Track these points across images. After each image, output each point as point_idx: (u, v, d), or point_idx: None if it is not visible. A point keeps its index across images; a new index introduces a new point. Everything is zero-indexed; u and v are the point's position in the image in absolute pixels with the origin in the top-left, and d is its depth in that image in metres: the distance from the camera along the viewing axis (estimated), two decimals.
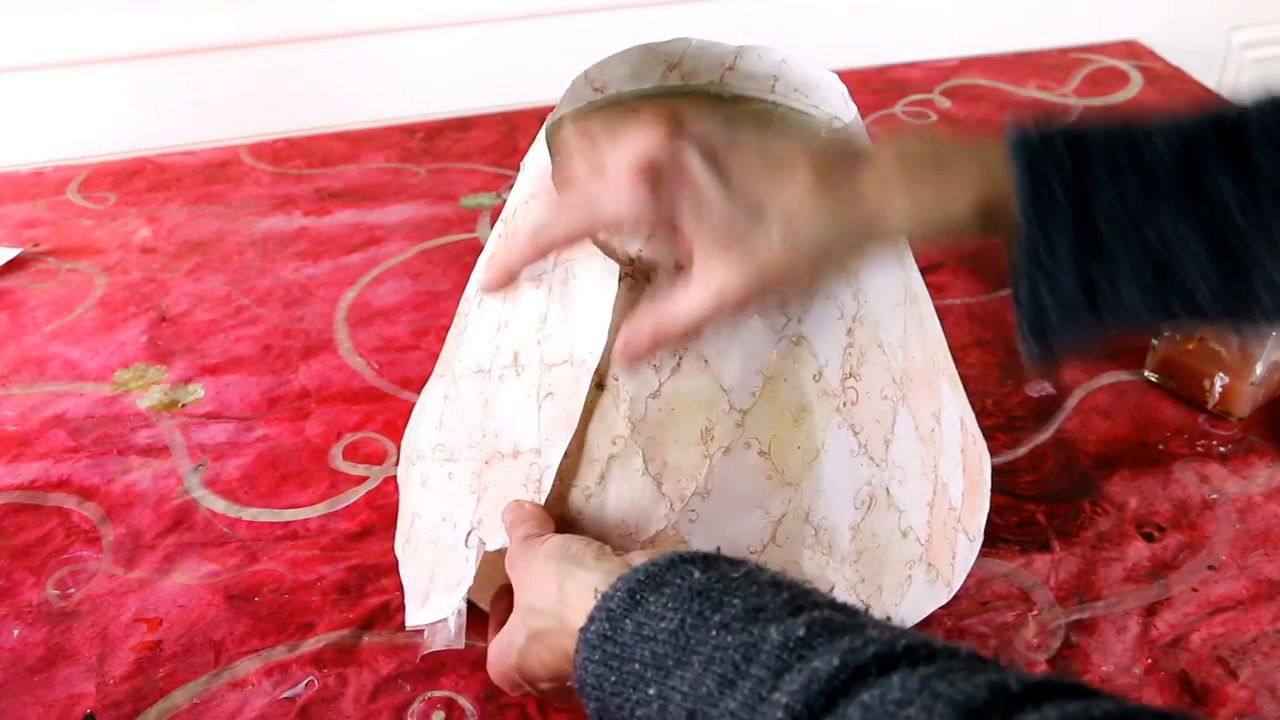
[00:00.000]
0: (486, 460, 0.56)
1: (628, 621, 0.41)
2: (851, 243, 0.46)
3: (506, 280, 0.51)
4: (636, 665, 0.40)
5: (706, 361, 0.51)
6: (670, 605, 0.41)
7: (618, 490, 0.53)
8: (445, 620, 0.56)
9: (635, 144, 0.45)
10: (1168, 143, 0.43)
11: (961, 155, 0.45)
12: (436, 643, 0.56)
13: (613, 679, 0.41)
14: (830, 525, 0.54)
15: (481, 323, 0.57)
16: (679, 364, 0.52)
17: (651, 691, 0.39)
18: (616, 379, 0.52)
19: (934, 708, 0.32)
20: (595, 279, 0.51)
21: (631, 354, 0.48)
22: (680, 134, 0.45)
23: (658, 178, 0.45)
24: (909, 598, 0.58)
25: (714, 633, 0.39)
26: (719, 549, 0.45)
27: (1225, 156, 0.43)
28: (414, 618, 0.59)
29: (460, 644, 0.55)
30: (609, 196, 0.46)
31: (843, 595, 0.55)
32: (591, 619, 0.42)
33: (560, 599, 0.45)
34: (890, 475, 0.56)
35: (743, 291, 0.45)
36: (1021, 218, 0.43)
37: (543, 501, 0.54)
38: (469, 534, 0.57)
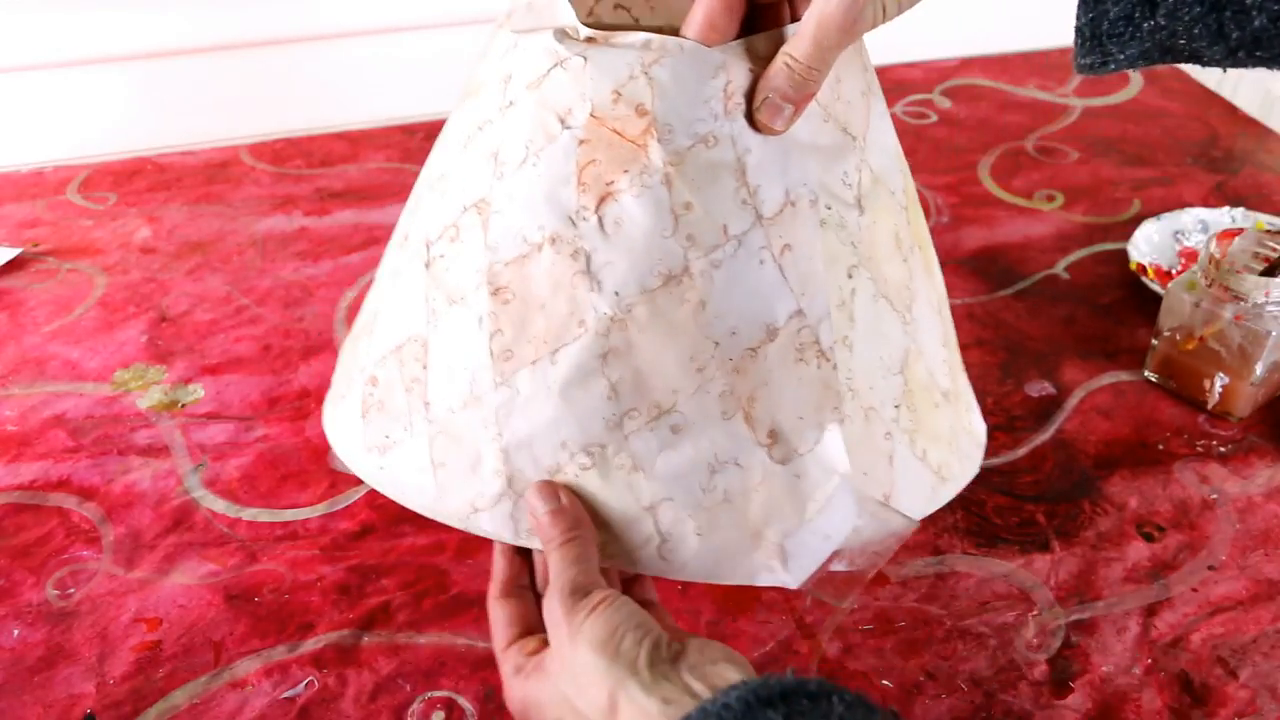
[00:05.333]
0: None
1: None
2: None
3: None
4: None
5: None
6: None
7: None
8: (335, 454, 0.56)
9: None
10: None
11: None
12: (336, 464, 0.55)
13: None
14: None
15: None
16: None
17: None
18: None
19: None
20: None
21: (770, 109, 0.48)
22: None
23: None
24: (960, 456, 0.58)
25: None
26: (792, 674, 0.41)
27: None
28: (329, 424, 0.58)
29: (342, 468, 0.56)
30: None
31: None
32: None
33: (609, 713, 0.42)
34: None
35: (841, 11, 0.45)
36: None
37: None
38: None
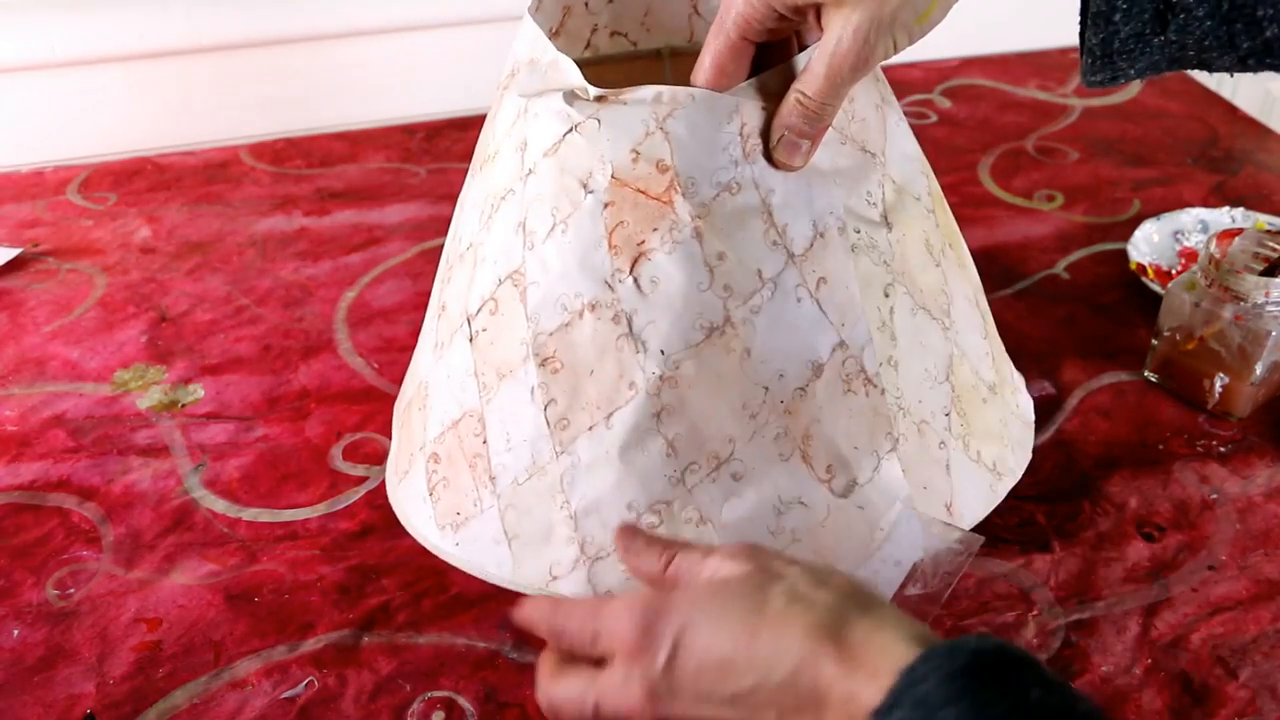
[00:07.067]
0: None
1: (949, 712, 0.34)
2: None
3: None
4: None
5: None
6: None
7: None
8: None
9: None
10: None
11: None
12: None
13: None
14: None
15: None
16: None
17: None
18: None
19: None
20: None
21: (787, 147, 0.48)
22: None
23: None
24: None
25: None
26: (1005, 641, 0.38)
27: None
28: (394, 494, 0.61)
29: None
30: None
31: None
32: (894, 700, 0.35)
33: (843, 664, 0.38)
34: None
35: (860, 34, 0.45)
36: None
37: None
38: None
